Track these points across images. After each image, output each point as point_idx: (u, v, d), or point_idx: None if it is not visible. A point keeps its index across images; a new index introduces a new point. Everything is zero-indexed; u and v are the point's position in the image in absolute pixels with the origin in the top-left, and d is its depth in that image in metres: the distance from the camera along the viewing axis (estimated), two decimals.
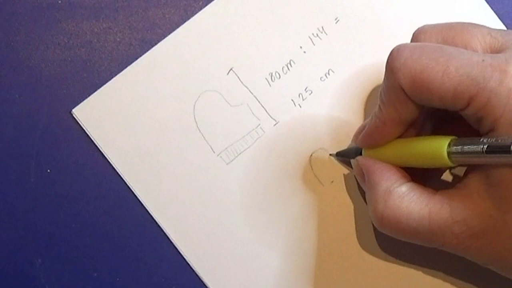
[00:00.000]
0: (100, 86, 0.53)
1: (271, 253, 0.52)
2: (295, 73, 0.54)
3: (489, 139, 0.41)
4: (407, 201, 0.44)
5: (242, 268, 0.52)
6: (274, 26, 0.54)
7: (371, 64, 0.54)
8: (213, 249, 0.52)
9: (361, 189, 0.53)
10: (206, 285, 0.52)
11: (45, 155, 0.53)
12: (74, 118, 0.53)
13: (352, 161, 0.51)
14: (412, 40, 0.47)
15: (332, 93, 0.54)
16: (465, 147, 0.42)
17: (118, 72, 0.53)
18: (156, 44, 0.54)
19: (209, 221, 0.53)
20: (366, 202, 0.49)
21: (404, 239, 0.46)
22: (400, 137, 0.47)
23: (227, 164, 0.53)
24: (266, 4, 0.54)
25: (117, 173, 0.53)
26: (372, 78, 0.54)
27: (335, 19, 0.55)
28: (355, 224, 0.52)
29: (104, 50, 0.54)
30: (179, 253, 0.52)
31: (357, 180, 0.51)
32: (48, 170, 0.53)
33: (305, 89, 0.54)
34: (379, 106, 0.46)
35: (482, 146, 0.41)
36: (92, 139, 0.53)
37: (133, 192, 0.53)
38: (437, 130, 0.48)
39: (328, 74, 0.54)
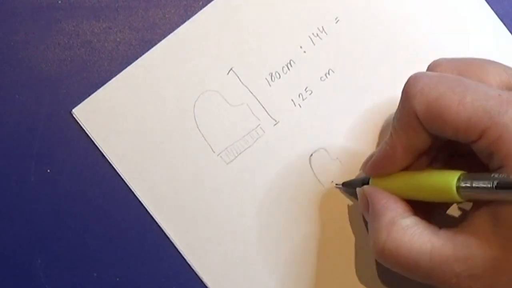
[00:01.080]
0: (100, 86, 0.53)
1: (271, 253, 0.52)
2: (295, 73, 0.54)
3: (499, 175, 0.40)
4: (410, 234, 0.44)
5: (241, 268, 0.52)
6: (274, 26, 0.54)
7: (371, 64, 0.54)
8: (213, 249, 0.52)
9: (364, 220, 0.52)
10: (206, 285, 0.52)
11: (45, 155, 0.53)
12: (74, 118, 0.53)
13: (357, 189, 0.50)
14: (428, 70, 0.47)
15: (332, 93, 0.54)
16: (474, 182, 0.42)
17: (118, 72, 0.53)
18: (156, 44, 0.54)
19: (209, 221, 0.53)
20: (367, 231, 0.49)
21: (403, 273, 0.45)
22: (409, 167, 0.46)
23: (227, 164, 0.53)
24: (266, 4, 0.54)
25: (117, 173, 0.53)
26: (373, 77, 0.54)
27: (335, 19, 0.55)
28: (356, 224, 0.52)
29: (104, 50, 0.54)
30: (179, 253, 0.52)
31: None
32: (48, 170, 0.53)
33: (305, 89, 0.54)
34: (391, 133, 0.46)
35: (492, 182, 0.40)
36: (92, 139, 0.53)
37: (133, 192, 0.53)
38: (447, 165, 0.47)
39: (328, 74, 0.54)
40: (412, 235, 0.44)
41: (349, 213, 0.53)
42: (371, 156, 0.49)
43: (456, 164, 0.45)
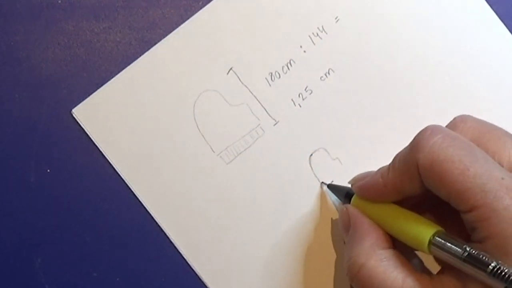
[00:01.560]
0: (100, 86, 0.53)
1: (271, 253, 0.52)
2: (295, 73, 0.54)
3: (471, 249, 0.41)
4: (384, 265, 0.44)
5: (241, 268, 0.52)
6: (274, 25, 0.54)
7: (371, 64, 0.54)
8: (213, 249, 0.52)
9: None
10: (206, 285, 0.52)
11: (45, 155, 0.53)
12: (74, 118, 0.53)
13: (341, 207, 0.50)
14: (450, 124, 0.47)
15: (332, 92, 0.54)
16: (447, 243, 0.42)
17: (118, 72, 0.53)
18: (156, 44, 0.54)
19: (209, 221, 0.53)
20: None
21: None
22: (396, 202, 0.47)
23: (227, 164, 0.53)
24: (266, 4, 0.54)
25: (117, 173, 0.53)
26: (373, 77, 0.54)
27: (335, 18, 0.55)
28: None
29: (104, 50, 0.54)
30: (179, 253, 0.52)
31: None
32: (48, 170, 0.53)
33: (305, 89, 0.54)
34: (389, 167, 0.46)
35: (463, 252, 0.41)
36: (92, 139, 0.53)
37: (133, 192, 0.53)
38: (435, 208, 0.47)
39: (328, 73, 0.54)
40: (387, 267, 0.44)
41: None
42: (364, 175, 0.49)
43: (444, 210, 0.45)
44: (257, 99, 0.53)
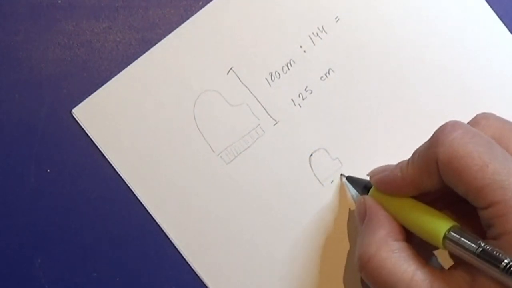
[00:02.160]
0: (100, 86, 0.53)
1: (270, 253, 0.52)
2: (295, 73, 0.54)
3: (486, 245, 0.41)
4: (395, 257, 0.44)
5: (241, 268, 0.52)
6: (274, 25, 0.54)
7: (371, 64, 0.54)
8: (213, 249, 0.52)
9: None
10: (206, 285, 0.52)
11: (45, 155, 0.53)
12: (74, 118, 0.53)
13: (358, 198, 0.51)
14: (472, 121, 0.47)
15: (332, 92, 0.54)
16: (462, 239, 0.42)
17: (118, 72, 0.53)
18: (156, 44, 0.54)
19: (209, 221, 0.53)
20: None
21: None
22: (413, 197, 0.47)
23: (227, 164, 0.53)
24: (266, 4, 0.54)
25: (117, 173, 0.53)
26: (373, 77, 0.54)
27: (335, 18, 0.54)
28: (355, 224, 0.52)
29: (104, 50, 0.54)
30: (179, 253, 0.52)
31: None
32: (48, 170, 0.53)
33: (305, 89, 0.54)
34: (408, 162, 0.46)
35: (477, 248, 0.41)
36: (92, 139, 0.53)
37: (133, 192, 0.53)
38: (452, 207, 0.47)
39: (328, 73, 0.54)
40: (397, 259, 0.44)
41: (349, 213, 0.53)
42: (383, 167, 0.49)
43: (462, 208, 0.46)
44: (257, 99, 0.53)
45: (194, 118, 0.53)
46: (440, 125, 0.45)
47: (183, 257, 0.52)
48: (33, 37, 0.54)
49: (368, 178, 0.50)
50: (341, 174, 0.53)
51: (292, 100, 0.54)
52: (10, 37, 0.54)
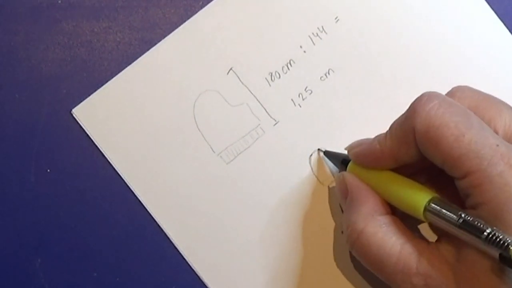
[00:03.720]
0: (100, 86, 0.53)
1: (270, 253, 0.52)
2: (295, 73, 0.54)
3: (467, 216, 0.41)
4: (383, 231, 0.45)
5: (241, 268, 0.52)
6: (274, 25, 0.54)
7: (371, 64, 0.54)
8: (213, 249, 0.52)
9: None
10: (206, 285, 0.52)
11: (45, 155, 0.53)
12: (74, 118, 0.53)
13: (337, 175, 0.51)
14: (448, 93, 0.47)
15: (332, 92, 0.54)
16: (443, 210, 0.42)
17: (118, 72, 0.53)
18: (156, 44, 0.54)
19: (209, 221, 0.53)
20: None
21: (369, 267, 0.46)
22: (393, 170, 0.47)
23: (227, 164, 0.53)
24: (266, 4, 0.54)
25: (117, 173, 0.53)
26: (373, 77, 0.54)
27: (335, 19, 0.54)
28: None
29: (104, 50, 0.54)
30: (179, 253, 0.52)
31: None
32: (48, 170, 0.53)
33: (305, 89, 0.54)
34: (386, 134, 0.46)
35: (458, 218, 0.41)
36: (92, 139, 0.53)
37: (133, 192, 0.53)
38: (431, 179, 0.48)
39: (328, 73, 0.54)
40: (385, 233, 0.45)
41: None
42: (360, 141, 0.49)
43: (440, 180, 0.46)
44: (257, 99, 0.53)
45: (194, 118, 0.53)
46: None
47: (183, 257, 0.52)
48: (33, 37, 0.54)
49: (345, 152, 0.50)
50: (318, 149, 0.53)
51: (292, 100, 0.54)
52: (10, 37, 0.54)
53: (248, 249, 0.52)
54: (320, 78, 0.54)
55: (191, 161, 0.53)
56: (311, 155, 0.53)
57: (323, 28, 0.54)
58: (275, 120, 0.53)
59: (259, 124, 0.53)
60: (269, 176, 0.53)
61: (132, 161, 0.53)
